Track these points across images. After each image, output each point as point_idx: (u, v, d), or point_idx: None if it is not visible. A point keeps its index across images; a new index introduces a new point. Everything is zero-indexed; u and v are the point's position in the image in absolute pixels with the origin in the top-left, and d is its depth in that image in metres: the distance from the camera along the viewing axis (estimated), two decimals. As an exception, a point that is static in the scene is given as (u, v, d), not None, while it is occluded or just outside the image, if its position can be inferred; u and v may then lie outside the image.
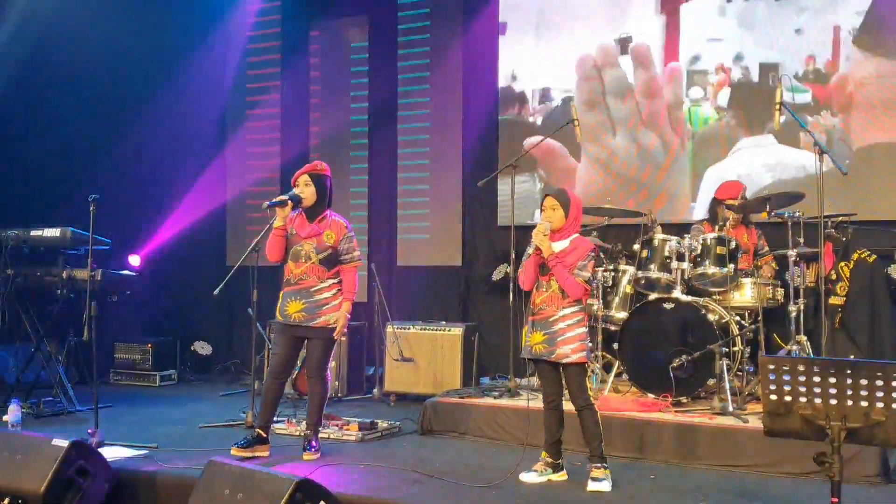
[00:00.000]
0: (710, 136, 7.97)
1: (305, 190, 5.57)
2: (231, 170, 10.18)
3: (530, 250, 4.95)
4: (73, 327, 7.98)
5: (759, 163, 7.73)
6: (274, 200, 5.50)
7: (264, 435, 5.58)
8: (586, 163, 8.40)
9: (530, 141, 8.35)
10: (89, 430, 5.72)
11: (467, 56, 9.02)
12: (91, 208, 5.95)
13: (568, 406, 5.11)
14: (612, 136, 8.30)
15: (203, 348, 9.72)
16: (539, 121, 8.67)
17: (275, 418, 5.77)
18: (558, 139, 8.29)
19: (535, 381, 6.88)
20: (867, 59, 7.34)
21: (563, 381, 5.04)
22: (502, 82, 8.86)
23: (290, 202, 5.51)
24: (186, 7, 9.73)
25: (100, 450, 5.25)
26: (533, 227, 5.03)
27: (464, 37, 9.03)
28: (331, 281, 5.59)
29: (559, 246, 4.96)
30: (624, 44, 8.28)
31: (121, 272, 8.35)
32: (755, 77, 7.76)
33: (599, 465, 4.92)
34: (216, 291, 5.79)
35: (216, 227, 10.12)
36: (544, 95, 8.68)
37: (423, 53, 9.25)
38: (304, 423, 5.79)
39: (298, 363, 6.70)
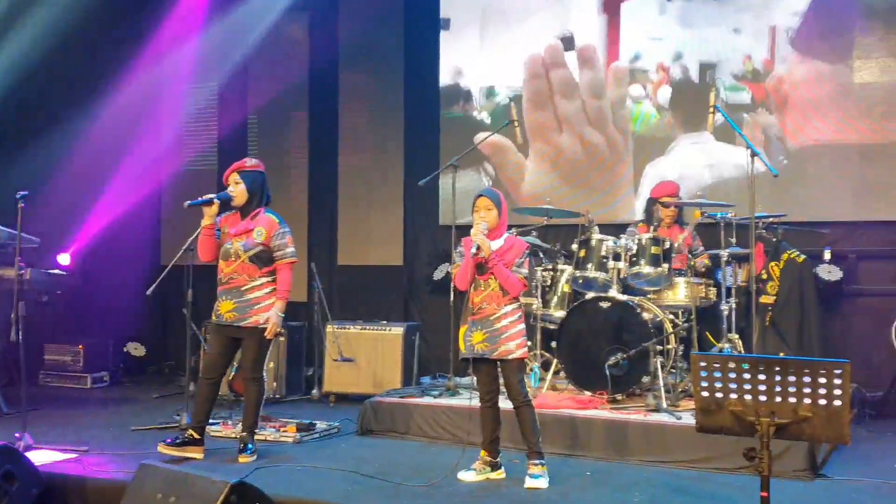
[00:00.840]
0: (650, 134, 8.10)
1: (235, 188, 5.51)
2: (166, 168, 10.00)
3: (473, 250, 4.96)
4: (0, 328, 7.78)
5: (697, 161, 7.87)
6: (196, 200, 5.44)
7: (198, 437, 5.49)
8: (534, 159, 8.47)
9: (479, 137, 8.39)
10: (16, 434, 5.59)
11: (409, 52, 9.01)
12: (19, 205, 5.80)
13: (504, 404, 5.13)
14: (559, 134, 8.37)
15: (137, 349, 9.56)
16: (486, 117, 8.69)
17: (210, 420, 5.70)
18: (507, 136, 8.35)
19: (475, 380, 6.93)
20: (803, 60, 7.51)
21: (502, 379, 5.07)
22: (447, 79, 8.87)
23: (216, 201, 5.45)
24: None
25: (27, 454, 5.13)
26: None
27: (405, 33, 9.02)
28: (263, 279, 5.50)
29: (496, 245, 5.01)
30: (567, 42, 8.35)
31: (51, 271, 8.17)
32: (694, 76, 7.90)
33: (537, 461, 4.96)
34: (149, 291, 5.71)
35: (150, 224, 9.94)
36: (490, 92, 8.70)
37: (363, 48, 9.21)
38: (240, 424, 5.71)
39: (235, 364, 6.61)
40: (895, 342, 5.83)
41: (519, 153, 8.52)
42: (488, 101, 8.70)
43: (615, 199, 8.12)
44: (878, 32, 7.27)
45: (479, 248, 4.92)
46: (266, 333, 5.50)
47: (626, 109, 8.15)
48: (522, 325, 5.05)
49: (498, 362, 5.03)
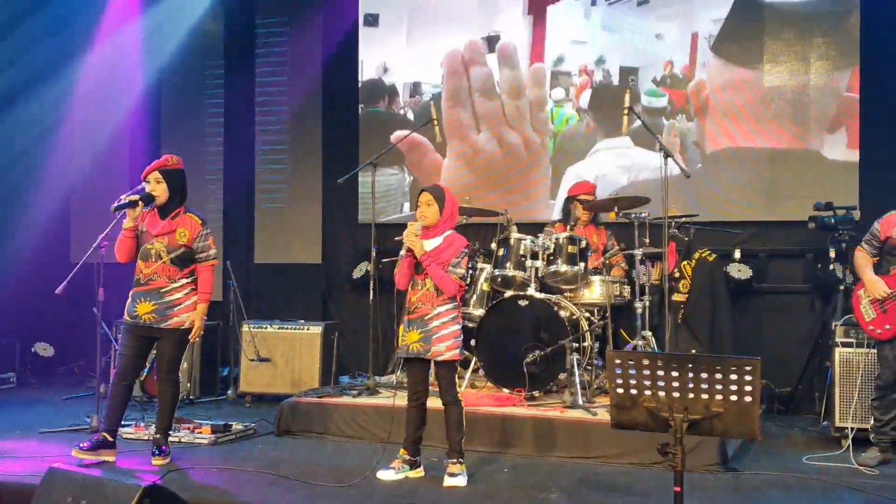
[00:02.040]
0: (570, 137, 8.17)
1: (157, 188, 5.37)
2: (74, 161, 9.72)
3: (403, 251, 4.94)
4: None
5: (616, 164, 7.97)
6: (123, 202, 5.29)
7: (111, 439, 5.36)
8: (451, 158, 8.48)
9: (397, 135, 8.38)
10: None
11: (327, 49, 8.93)
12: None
13: (432, 403, 5.14)
14: (477, 133, 8.40)
15: (45, 349, 9.28)
16: (409, 114, 8.67)
17: (122, 422, 5.57)
18: (425, 134, 8.36)
19: (394, 378, 6.93)
20: (724, 66, 7.65)
21: (434, 378, 5.08)
22: (373, 75, 8.82)
23: (140, 202, 5.32)
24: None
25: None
26: (403, 222, 5.03)
27: (324, 29, 8.94)
28: (183, 281, 5.40)
29: (433, 243, 4.99)
30: (492, 42, 8.38)
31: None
32: (615, 80, 8.00)
33: (456, 460, 4.98)
34: (59, 290, 5.54)
35: (59, 220, 9.65)
36: (415, 89, 8.69)
37: (281, 43, 9.11)
38: (154, 426, 5.60)
39: (148, 365, 6.48)
40: (831, 343, 6.02)
41: (436, 153, 8.52)
42: (412, 98, 8.69)
43: (534, 201, 8.18)
44: (787, 37, 7.48)
45: (410, 249, 4.91)
46: (191, 337, 5.43)
47: (544, 112, 8.21)
48: (457, 327, 5.03)
49: (432, 363, 5.03)
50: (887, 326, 5.28)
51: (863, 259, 5.47)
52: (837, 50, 7.34)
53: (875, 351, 5.51)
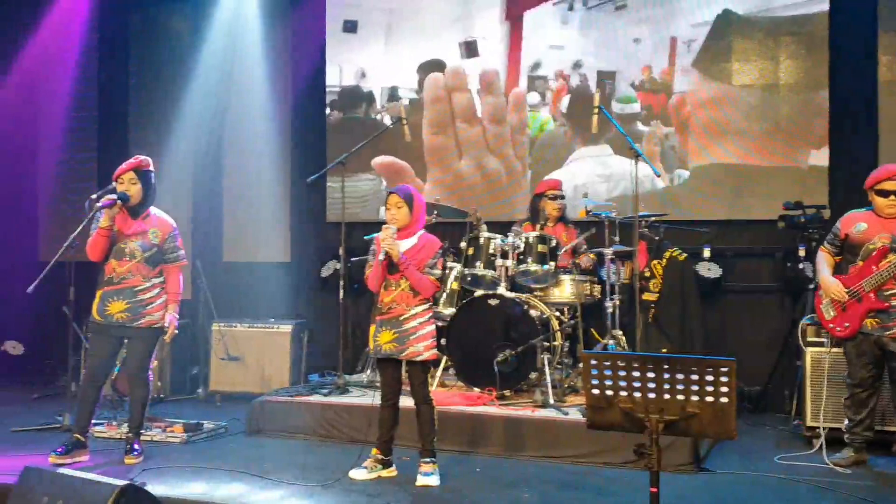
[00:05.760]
0: (547, 143, 8.14)
1: (132, 188, 5.41)
2: (43, 157, 9.63)
3: (381, 257, 4.95)
4: None
5: (595, 172, 7.95)
6: (104, 203, 5.29)
7: (83, 439, 5.37)
8: (431, 184, 8.43)
9: (377, 161, 8.42)
10: None
11: (296, 50, 8.91)
12: None
13: (404, 402, 5.17)
14: (458, 160, 8.37)
15: (14, 348, 9.16)
16: (386, 119, 8.62)
17: (94, 420, 5.57)
18: (406, 159, 8.35)
19: (365, 377, 6.94)
20: (697, 70, 7.67)
21: (407, 378, 5.10)
22: (351, 81, 8.78)
23: (118, 202, 5.33)
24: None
25: None
26: (378, 224, 5.04)
27: (294, 29, 8.91)
28: (155, 280, 5.49)
29: (407, 244, 5.01)
30: (469, 47, 8.35)
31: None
32: (593, 85, 7.97)
33: (429, 459, 5.01)
34: (30, 289, 5.49)
35: (27, 217, 9.55)
36: (392, 94, 8.66)
37: (255, 43, 9.03)
38: (126, 425, 5.60)
39: (118, 363, 6.44)
40: (801, 342, 6.09)
41: (417, 177, 8.45)
42: (391, 103, 8.66)
43: (509, 201, 8.17)
44: (758, 36, 7.55)
45: (387, 253, 4.92)
46: (166, 338, 5.50)
47: (524, 135, 8.17)
48: (433, 327, 5.07)
49: (404, 363, 5.05)
50: (847, 324, 5.34)
51: (822, 259, 5.53)
52: (807, 50, 7.43)
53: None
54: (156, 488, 4.48)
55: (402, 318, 5.00)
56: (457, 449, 5.71)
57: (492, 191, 8.28)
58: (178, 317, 5.55)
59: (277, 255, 8.95)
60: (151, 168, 5.54)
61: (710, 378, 3.30)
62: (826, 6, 7.37)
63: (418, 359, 5.00)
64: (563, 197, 7.14)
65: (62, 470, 4.29)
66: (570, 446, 5.53)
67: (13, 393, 8.15)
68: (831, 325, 5.44)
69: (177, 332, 5.55)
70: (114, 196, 5.34)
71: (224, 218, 9.16)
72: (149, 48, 9.32)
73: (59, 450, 5.29)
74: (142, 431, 5.57)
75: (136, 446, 5.41)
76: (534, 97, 8.18)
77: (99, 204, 5.30)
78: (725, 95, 7.62)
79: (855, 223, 5.39)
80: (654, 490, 3.39)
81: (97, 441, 5.77)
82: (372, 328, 5.18)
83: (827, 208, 6.97)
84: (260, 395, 6.67)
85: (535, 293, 6.68)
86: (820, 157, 7.36)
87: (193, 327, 8.16)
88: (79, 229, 5.51)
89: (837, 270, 5.51)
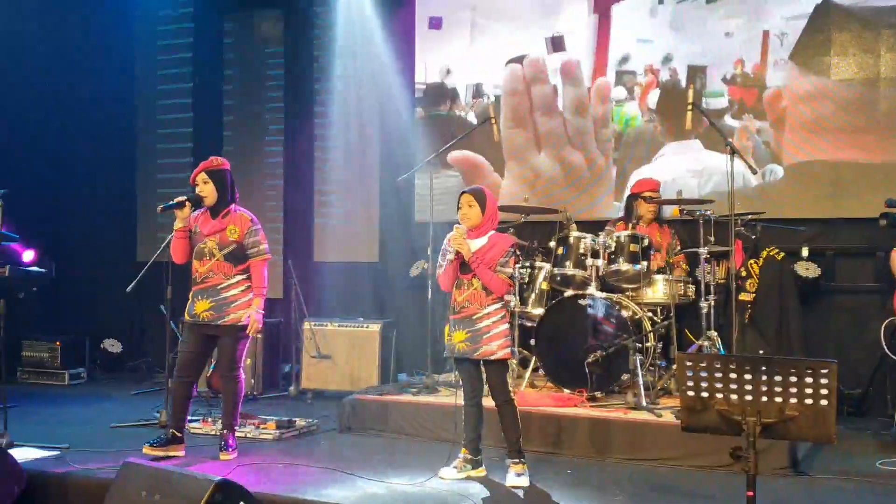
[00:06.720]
0: (635, 139, 7.97)
1: (205, 188, 5.50)
2: (141, 163, 9.92)
3: (450, 256, 4.94)
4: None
5: (685, 168, 7.75)
6: (169, 203, 5.43)
7: (179, 434, 5.48)
8: (510, 180, 8.34)
9: (453, 156, 8.35)
10: (-1, 432, 5.53)
11: (388, 49, 8.95)
12: (-1, 203, 5.75)
13: (486, 402, 5.13)
14: (537, 154, 8.25)
15: (113, 346, 9.47)
16: (472, 116, 8.58)
17: (189, 417, 5.68)
18: (484, 154, 8.30)
19: (453, 377, 6.93)
20: (791, 65, 7.43)
21: (485, 378, 5.06)
22: (436, 78, 8.77)
23: (188, 203, 5.44)
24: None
25: (10, 451, 5.08)
26: (456, 221, 5.03)
27: (383, 31, 8.96)
28: (238, 277, 5.51)
29: (478, 243, 4.98)
30: (556, 43, 8.24)
31: (29, 268, 8.07)
32: (683, 79, 7.78)
33: (518, 460, 4.97)
34: (129, 288, 5.66)
35: (126, 221, 9.86)
36: (477, 91, 8.62)
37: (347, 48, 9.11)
38: (220, 422, 5.70)
39: (213, 361, 6.58)
40: (882, 340, 5.86)
41: (495, 172, 8.38)
42: (475, 100, 8.61)
43: (594, 199, 8.04)
44: (856, 28, 7.30)
45: (457, 252, 4.91)
46: (248, 331, 5.51)
47: (608, 128, 8.01)
48: (506, 325, 5.02)
49: (481, 362, 5.02)
50: None
51: None
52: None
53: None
54: (249, 484, 4.54)
55: (474, 317, 4.96)
56: (542, 450, 5.66)
57: (573, 185, 8.13)
58: (262, 311, 5.55)
59: (366, 255, 9.02)
60: (226, 167, 5.61)
61: (809, 380, 3.20)
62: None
63: (492, 358, 4.95)
64: (659, 202, 6.98)
65: (159, 465, 4.40)
66: (661, 449, 5.42)
67: (112, 389, 8.43)
68: None
69: (261, 326, 5.55)
70: (182, 198, 5.46)
71: (315, 218, 9.27)
72: (243, 52, 9.50)
73: (154, 441, 5.43)
74: (236, 428, 5.65)
75: (230, 442, 5.50)
76: (619, 92, 8.02)
77: (161, 206, 5.44)
78: (823, 90, 7.35)
79: None
80: (751, 494, 3.30)
81: (193, 437, 5.89)
82: (446, 328, 5.17)
83: (931, 206, 6.67)
84: (349, 394, 6.74)
85: (627, 293, 6.58)
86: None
87: (286, 325, 8.29)
88: (174, 232, 5.65)
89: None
